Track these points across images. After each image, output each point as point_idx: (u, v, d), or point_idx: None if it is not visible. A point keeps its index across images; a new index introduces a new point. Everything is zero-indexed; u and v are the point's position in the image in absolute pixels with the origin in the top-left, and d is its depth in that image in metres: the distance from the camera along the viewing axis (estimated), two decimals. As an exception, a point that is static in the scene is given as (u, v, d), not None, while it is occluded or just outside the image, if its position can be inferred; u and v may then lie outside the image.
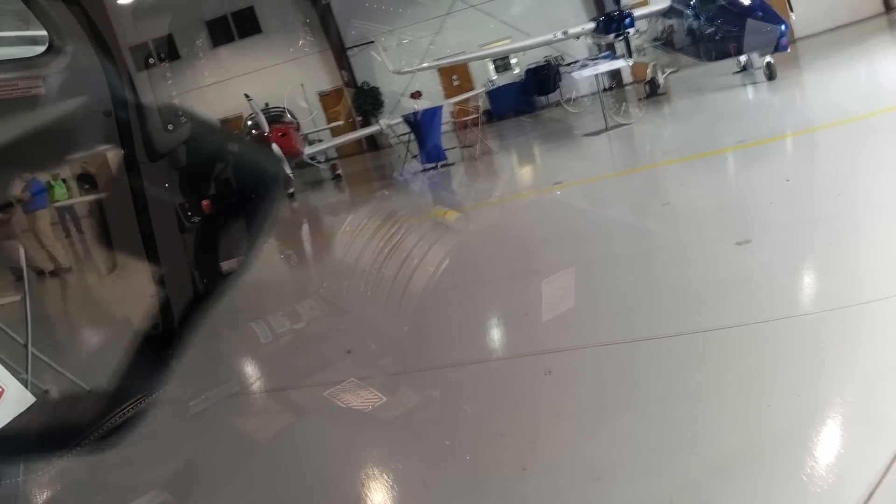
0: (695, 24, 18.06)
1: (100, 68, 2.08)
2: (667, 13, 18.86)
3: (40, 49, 2.35)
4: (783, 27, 16.11)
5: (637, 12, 18.48)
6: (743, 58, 18.39)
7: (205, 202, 2.26)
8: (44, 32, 2.23)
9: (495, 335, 5.79)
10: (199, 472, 3.49)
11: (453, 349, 5.43)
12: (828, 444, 3.20)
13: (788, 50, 16.92)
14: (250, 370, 5.92)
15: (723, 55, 17.85)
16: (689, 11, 18.13)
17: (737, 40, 16.96)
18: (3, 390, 1.66)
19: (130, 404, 1.70)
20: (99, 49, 2.03)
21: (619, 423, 3.83)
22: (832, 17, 21.85)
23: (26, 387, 1.73)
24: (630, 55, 18.70)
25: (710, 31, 17.62)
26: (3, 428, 1.68)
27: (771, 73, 16.21)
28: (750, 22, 16.38)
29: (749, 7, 16.64)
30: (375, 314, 6.22)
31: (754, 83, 17.03)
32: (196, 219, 2.24)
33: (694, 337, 4.57)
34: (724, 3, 17.18)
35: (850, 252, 5.28)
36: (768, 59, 16.25)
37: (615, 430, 3.78)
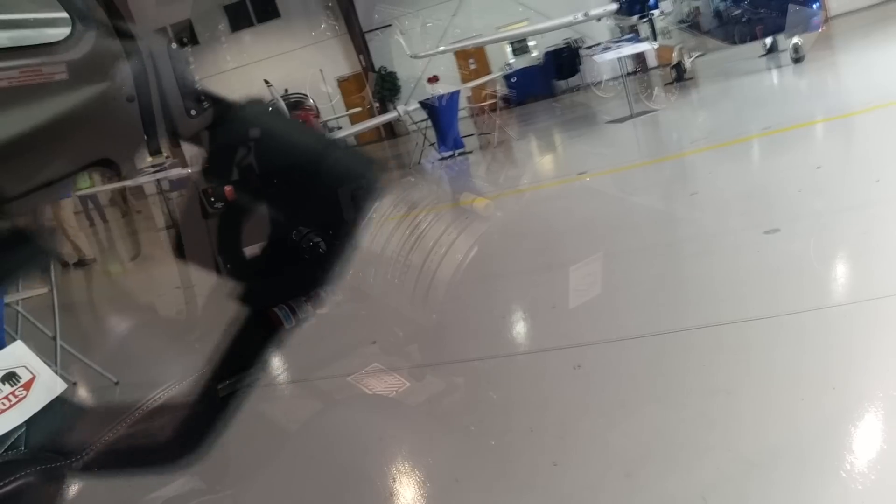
0: (721, 6, 17.86)
1: (122, 53, 2.07)
2: (692, -6, 18.68)
3: (63, 34, 2.34)
4: (816, 6, 15.82)
5: (662, -7, 18.22)
6: (768, 39, 18.18)
7: (228, 188, 2.23)
8: (66, 17, 2.23)
9: (522, 328, 5.78)
10: (228, 460, 3.50)
11: (480, 342, 5.43)
12: (867, 438, 3.18)
13: (821, 29, 16.62)
14: (276, 359, 5.94)
15: (751, 37, 17.65)
16: (715, -8, 17.96)
17: (766, 21, 16.74)
18: (34, 377, 1.69)
19: (160, 392, 1.69)
20: (121, 33, 2.02)
21: (650, 417, 3.83)
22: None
23: (55, 378, 1.75)
24: (655, 38, 18.45)
25: (737, 12, 17.42)
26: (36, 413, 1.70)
27: (798, 56, 15.96)
28: (779, 2, 16.07)
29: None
30: (400, 305, 6.22)
31: (780, 66, 16.87)
32: (219, 204, 2.22)
33: (724, 328, 4.56)
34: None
35: (886, 241, 5.22)
36: (796, 40, 15.94)
37: (646, 424, 3.77)
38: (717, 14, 18.08)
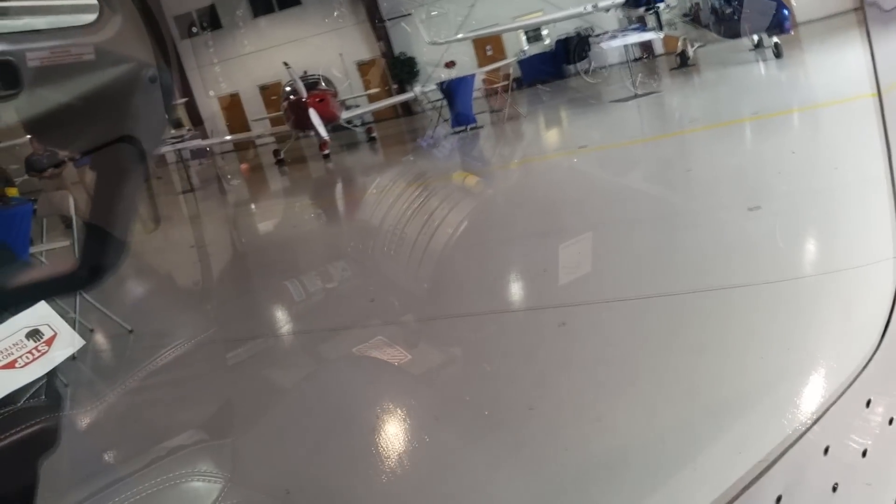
0: (716, 3, 18.24)
1: (146, 35, 2.17)
2: (691, -10, 18.98)
3: (91, 17, 2.46)
4: (786, 12, 16.52)
5: (665, -12, 18.52)
6: (756, 37, 18.62)
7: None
8: (94, 2, 2.35)
9: (514, 289, 5.90)
10: (232, 411, 3.62)
11: (473, 300, 5.52)
12: (810, 392, 3.31)
13: (792, 32, 17.20)
14: (281, 316, 6.05)
15: (736, 33, 18.18)
16: (708, -10, 18.33)
17: (750, 21, 17.37)
18: (55, 334, 1.78)
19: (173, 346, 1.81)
20: (144, 16, 2.14)
21: (624, 371, 3.96)
22: (825, 7, 21.77)
23: (74, 326, 1.86)
24: (661, 28, 18.70)
25: (726, 10, 17.88)
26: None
27: (778, 52, 16.66)
28: (753, 4, 16.75)
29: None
30: (401, 267, 6.32)
31: (765, 60, 17.25)
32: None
33: (704, 295, 4.70)
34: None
35: (843, 221, 5.32)
36: (775, 39, 16.63)
37: (620, 377, 3.91)
38: (713, 10, 18.42)
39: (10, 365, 1.74)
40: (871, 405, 1.91)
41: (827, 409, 1.81)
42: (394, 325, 5.14)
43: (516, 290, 5.88)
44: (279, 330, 5.72)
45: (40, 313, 1.85)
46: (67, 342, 1.83)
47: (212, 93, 18.68)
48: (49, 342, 1.80)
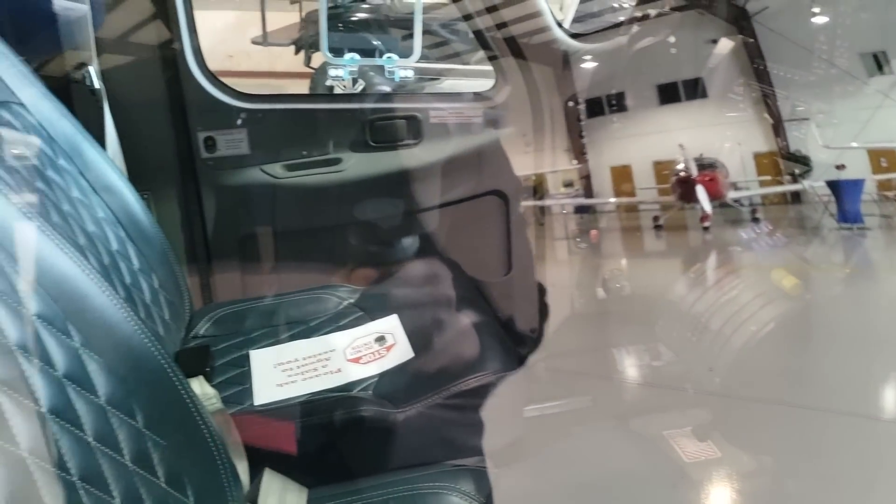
0: None
1: (528, 107, 2.24)
2: None
3: (487, 85, 2.56)
4: None
5: None
6: None
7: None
8: (492, 71, 2.43)
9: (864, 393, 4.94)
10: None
11: (819, 394, 4.68)
12: None
13: None
14: (612, 361, 5.57)
15: None
16: None
17: None
18: (394, 343, 1.91)
19: (476, 377, 1.77)
20: (530, 91, 2.19)
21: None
22: None
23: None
24: None
25: None
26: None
27: None
28: None
29: None
30: (750, 342, 5.63)
31: None
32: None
33: None
34: None
35: None
36: None
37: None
38: None
39: (357, 360, 1.90)
40: None
41: None
42: (722, 396, 4.58)
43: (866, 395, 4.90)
44: (603, 374, 5.28)
45: (390, 324, 2.01)
46: (402, 352, 1.90)
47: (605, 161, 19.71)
48: (389, 349, 1.93)
